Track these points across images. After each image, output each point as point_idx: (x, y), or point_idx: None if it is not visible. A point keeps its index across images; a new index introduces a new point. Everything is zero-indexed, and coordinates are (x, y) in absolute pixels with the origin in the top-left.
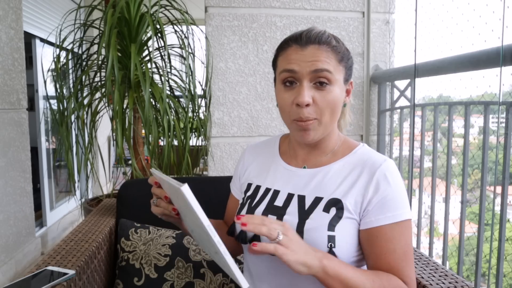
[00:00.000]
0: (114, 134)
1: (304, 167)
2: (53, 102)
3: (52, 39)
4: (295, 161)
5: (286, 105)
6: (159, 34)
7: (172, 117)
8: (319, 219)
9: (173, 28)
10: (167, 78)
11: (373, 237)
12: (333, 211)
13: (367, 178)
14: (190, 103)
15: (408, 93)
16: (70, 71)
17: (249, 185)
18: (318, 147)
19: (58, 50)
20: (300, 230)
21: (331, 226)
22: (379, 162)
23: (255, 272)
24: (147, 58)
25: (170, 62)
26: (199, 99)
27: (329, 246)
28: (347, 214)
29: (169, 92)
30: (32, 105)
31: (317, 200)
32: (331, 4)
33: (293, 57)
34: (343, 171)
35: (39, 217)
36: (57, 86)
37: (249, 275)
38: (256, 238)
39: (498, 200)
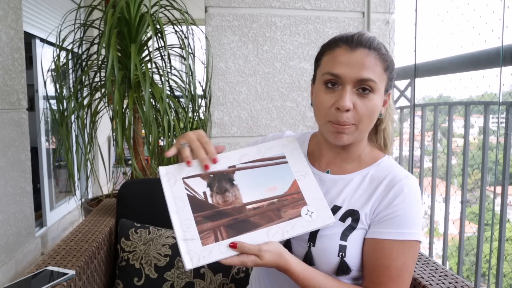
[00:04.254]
0: (114, 134)
1: (328, 172)
2: (53, 102)
3: (52, 39)
4: (319, 164)
5: (324, 107)
6: (159, 34)
7: (172, 117)
8: (334, 228)
9: (173, 28)
10: (167, 78)
11: (372, 248)
12: (348, 221)
13: (385, 190)
14: (190, 103)
15: (408, 93)
16: (70, 71)
17: None
18: (346, 151)
19: (58, 50)
20: (313, 235)
21: (344, 236)
22: (400, 177)
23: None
24: (147, 58)
25: (170, 62)
26: (199, 99)
27: (340, 255)
28: (361, 225)
29: (169, 92)
30: (32, 105)
31: (336, 209)
32: (331, 4)
33: (340, 59)
34: (364, 183)
35: (39, 217)
36: (57, 86)
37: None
38: None
39: (498, 200)
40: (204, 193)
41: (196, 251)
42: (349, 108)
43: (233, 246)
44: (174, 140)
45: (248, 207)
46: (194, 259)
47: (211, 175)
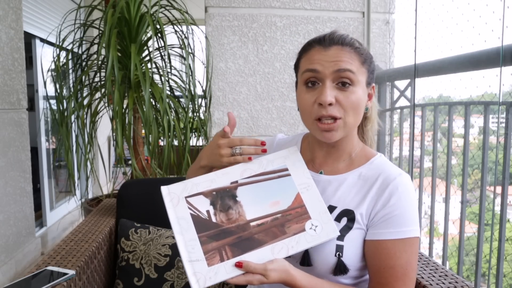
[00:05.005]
0: (114, 134)
1: (321, 172)
2: (53, 102)
3: (52, 39)
4: (312, 165)
5: (308, 105)
6: (159, 34)
7: (172, 117)
8: None
9: (173, 28)
10: (167, 78)
11: (374, 249)
12: (344, 221)
13: (379, 190)
14: (190, 103)
15: (408, 93)
16: (70, 71)
17: None
18: (336, 149)
19: (58, 50)
20: None
21: (340, 236)
22: (393, 175)
23: None
24: (147, 58)
25: (170, 62)
26: (199, 99)
27: (337, 255)
28: (357, 225)
29: (169, 92)
30: (32, 105)
31: (331, 209)
32: (331, 4)
33: (316, 57)
34: (358, 182)
35: (39, 217)
36: (57, 86)
37: None
38: None
39: (498, 200)
40: (208, 211)
41: (202, 272)
42: (331, 102)
43: (238, 265)
44: (174, 140)
45: (252, 224)
46: (200, 280)
47: (214, 192)
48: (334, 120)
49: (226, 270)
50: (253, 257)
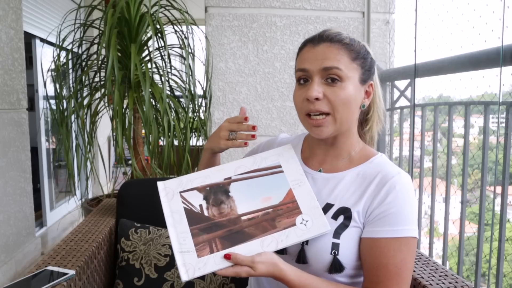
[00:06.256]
0: (114, 134)
1: (320, 170)
2: (53, 102)
3: (52, 39)
4: (312, 162)
5: (298, 101)
6: (159, 34)
7: (172, 117)
8: None
9: (173, 28)
10: (167, 78)
11: (368, 247)
12: (340, 219)
13: (377, 188)
14: (190, 103)
15: (408, 93)
16: (70, 71)
17: None
18: (335, 147)
19: (58, 50)
20: None
21: (337, 233)
22: (391, 174)
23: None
24: (147, 58)
25: (170, 62)
26: (199, 99)
27: (332, 253)
28: (354, 223)
29: (169, 92)
30: (32, 105)
31: (328, 207)
32: (331, 4)
33: (305, 56)
34: (356, 180)
35: (39, 217)
36: (57, 86)
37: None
38: None
39: (498, 200)
40: (201, 205)
41: (191, 263)
42: (317, 97)
43: (227, 257)
44: (175, 140)
45: (243, 218)
46: (189, 271)
47: (208, 188)
48: (323, 115)
49: (215, 262)
50: (242, 250)
